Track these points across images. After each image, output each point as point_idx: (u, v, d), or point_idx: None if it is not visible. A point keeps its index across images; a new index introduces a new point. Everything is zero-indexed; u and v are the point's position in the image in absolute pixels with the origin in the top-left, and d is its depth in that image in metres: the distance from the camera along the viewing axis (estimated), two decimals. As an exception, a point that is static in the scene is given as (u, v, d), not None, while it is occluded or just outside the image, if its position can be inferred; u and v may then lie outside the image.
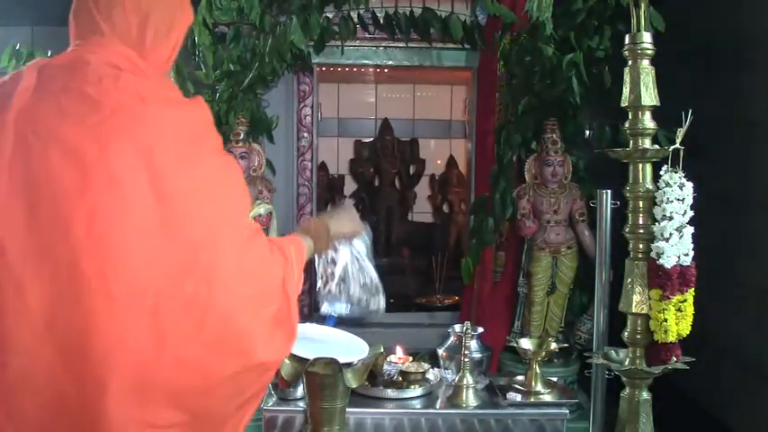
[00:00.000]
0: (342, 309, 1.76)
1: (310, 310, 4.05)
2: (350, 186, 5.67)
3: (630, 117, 2.01)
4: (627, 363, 2.05)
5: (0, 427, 1.10)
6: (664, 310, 1.91)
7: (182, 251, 1.13)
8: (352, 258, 1.71)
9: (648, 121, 1.99)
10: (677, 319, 1.92)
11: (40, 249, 1.08)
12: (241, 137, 3.36)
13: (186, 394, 1.17)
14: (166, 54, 1.29)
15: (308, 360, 1.77)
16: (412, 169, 5.63)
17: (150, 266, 1.11)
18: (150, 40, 1.24)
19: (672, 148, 1.94)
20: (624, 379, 2.07)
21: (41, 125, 1.11)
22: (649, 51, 1.97)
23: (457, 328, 2.41)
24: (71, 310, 1.08)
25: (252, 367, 1.23)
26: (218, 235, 1.17)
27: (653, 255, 1.94)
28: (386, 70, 4.59)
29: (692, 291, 1.94)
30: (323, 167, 5.29)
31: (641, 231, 2.01)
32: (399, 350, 2.37)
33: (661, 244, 1.92)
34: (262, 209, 3.34)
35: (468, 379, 2.16)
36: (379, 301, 1.76)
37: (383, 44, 3.85)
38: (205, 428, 1.22)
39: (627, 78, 2.00)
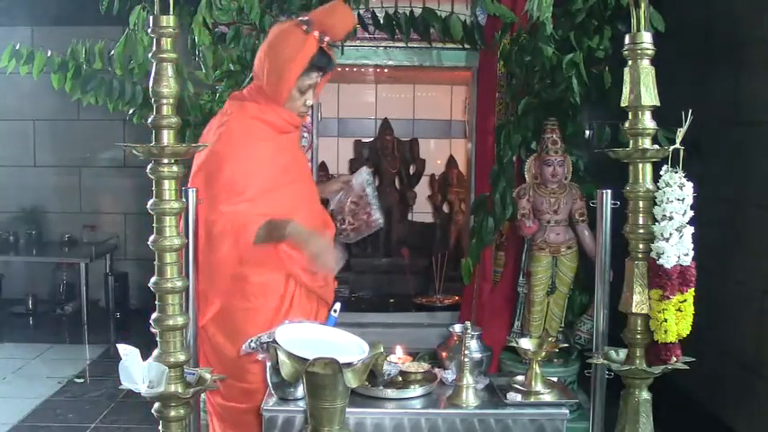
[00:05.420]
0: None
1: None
2: (350, 186, 5.66)
3: (630, 117, 2.01)
4: (627, 363, 2.05)
5: None
6: (664, 310, 1.91)
7: None
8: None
9: (648, 121, 1.99)
10: (677, 319, 1.92)
11: None
12: (241, 137, 3.35)
13: None
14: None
15: (307, 360, 1.77)
16: (412, 169, 5.62)
17: None
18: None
19: (672, 148, 1.94)
20: (624, 379, 2.07)
21: None
22: (649, 51, 1.97)
23: (457, 328, 2.40)
24: None
25: None
26: None
27: (653, 255, 1.94)
28: (386, 70, 4.58)
29: (691, 291, 1.94)
30: (323, 167, 5.29)
31: (641, 231, 2.01)
32: (399, 350, 2.37)
33: (661, 244, 1.92)
34: (262, 209, 3.33)
35: (468, 379, 2.16)
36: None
37: (383, 44, 3.85)
38: None
39: (627, 78, 1.99)
